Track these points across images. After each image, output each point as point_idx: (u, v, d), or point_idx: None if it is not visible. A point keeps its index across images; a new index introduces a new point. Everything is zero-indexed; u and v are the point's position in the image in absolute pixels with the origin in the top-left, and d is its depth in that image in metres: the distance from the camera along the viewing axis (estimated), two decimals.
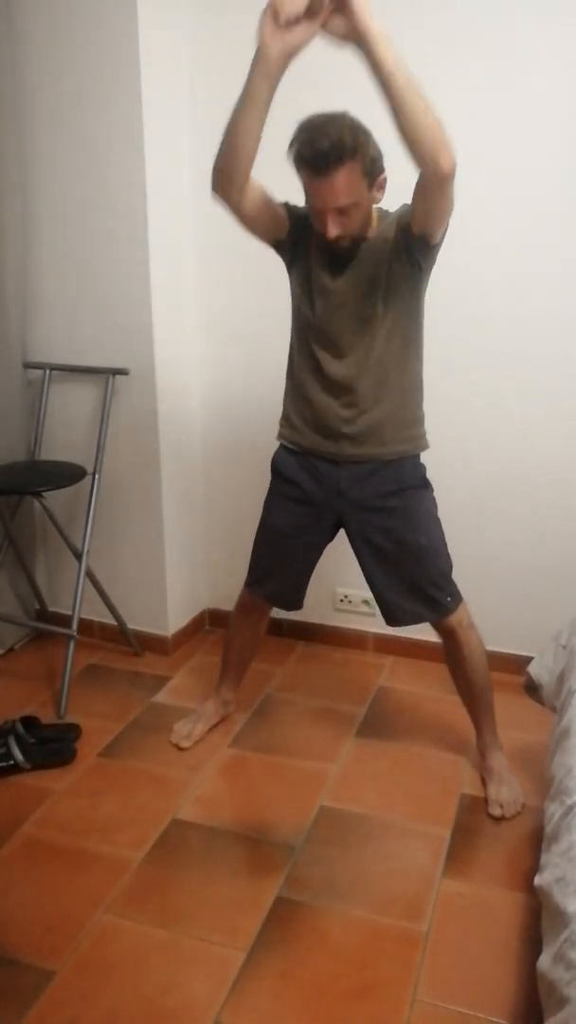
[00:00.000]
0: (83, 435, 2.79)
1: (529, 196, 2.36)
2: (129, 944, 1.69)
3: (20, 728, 2.27)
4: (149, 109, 2.43)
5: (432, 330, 2.52)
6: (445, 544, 2.07)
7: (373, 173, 1.75)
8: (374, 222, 1.85)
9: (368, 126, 1.74)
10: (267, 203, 1.92)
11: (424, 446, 2.04)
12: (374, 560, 2.06)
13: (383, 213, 1.88)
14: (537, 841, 1.64)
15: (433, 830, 2.03)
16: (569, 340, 2.42)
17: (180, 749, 2.35)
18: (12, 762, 2.21)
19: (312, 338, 1.97)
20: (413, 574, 2.04)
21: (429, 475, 2.08)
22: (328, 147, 1.67)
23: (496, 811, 2.08)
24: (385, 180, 1.79)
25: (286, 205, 1.95)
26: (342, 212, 1.75)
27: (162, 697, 2.63)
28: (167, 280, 2.63)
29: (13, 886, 1.85)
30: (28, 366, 2.77)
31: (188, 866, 1.92)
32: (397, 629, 2.81)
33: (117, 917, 1.76)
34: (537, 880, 1.35)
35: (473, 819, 2.08)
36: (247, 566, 2.27)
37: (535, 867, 1.43)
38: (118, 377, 2.68)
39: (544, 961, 1.22)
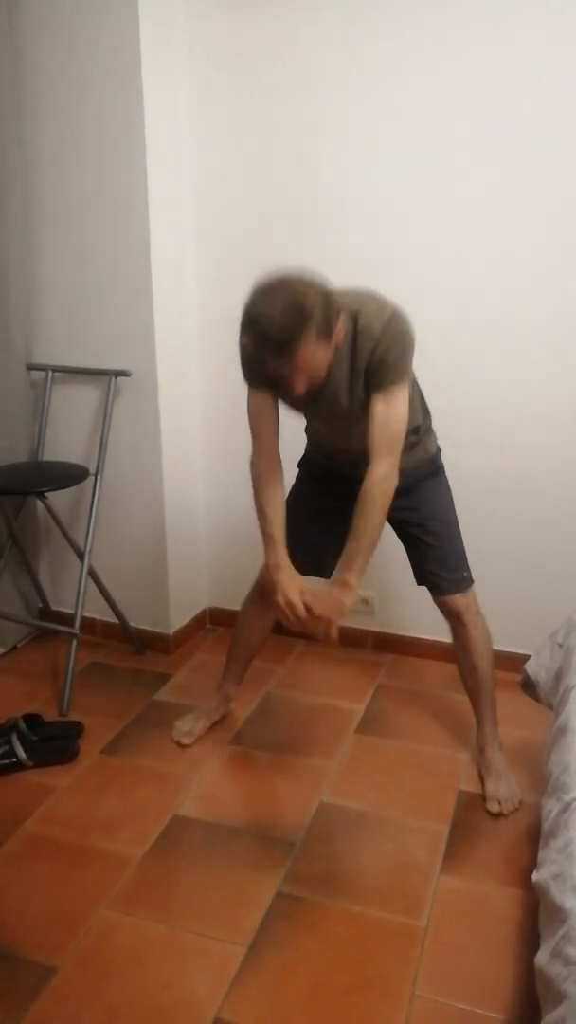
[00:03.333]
0: (85, 436, 2.81)
1: (530, 196, 2.36)
2: (130, 940, 1.70)
3: (23, 726, 2.29)
4: (151, 111, 2.44)
5: (433, 330, 2.54)
6: (459, 529, 2.15)
7: (329, 332, 1.69)
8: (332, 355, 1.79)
9: (315, 282, 1.70)
10: (275, 415, 1.98)
11: (435, 445, 2.12)
12: (404, 536, 2.15)
13: (348, 326, 1.79)
14: (535, 837, 1.65)
15: (431, 826, 2.05)
16: (569, 340, 2.43)
17: (181, 746, 2.36)
18: (15, 759, 2.23)
19: (312, 426, 2.10)
20: (435, 547, 2.11)
21: None
22: (279, 338, 1.64)
23: (494, 807, 2.09)
24: (340, 327, 1.74)
25: (261, 380, 1.93)
26: (307, 375, 1.74)
27: (163, 695, 2.65)
28: (169, 282, 2.64)
29: (15, 882, 1.86)
30: (31, 367, 2.78)
31: (189, 862, 1.93)
32: (396, 628, 2.85)
33: (118, 913, 1.77)
34: (535, 876, 1.36)
35: (471, 815, 2.09)
36: (249, 564, 2.28)
37: (533, 863, 1.44)
38: (120, 378, 2.69)
39: (542, 957, 1.23)
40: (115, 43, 2.40)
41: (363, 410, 1.84)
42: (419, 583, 2.19)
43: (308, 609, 1.89)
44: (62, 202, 2.62)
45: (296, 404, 1.96)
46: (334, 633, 1.90)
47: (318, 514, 2.12)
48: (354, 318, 1.78)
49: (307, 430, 2.17)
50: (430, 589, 2.16)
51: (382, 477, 1.81)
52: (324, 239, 2.58)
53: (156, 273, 2.56)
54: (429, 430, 2.10)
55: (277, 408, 1.96)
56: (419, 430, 2.04)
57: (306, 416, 2.07)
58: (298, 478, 2.19)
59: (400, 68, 2.38)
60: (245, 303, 1.69)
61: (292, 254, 2.63)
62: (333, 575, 1.91)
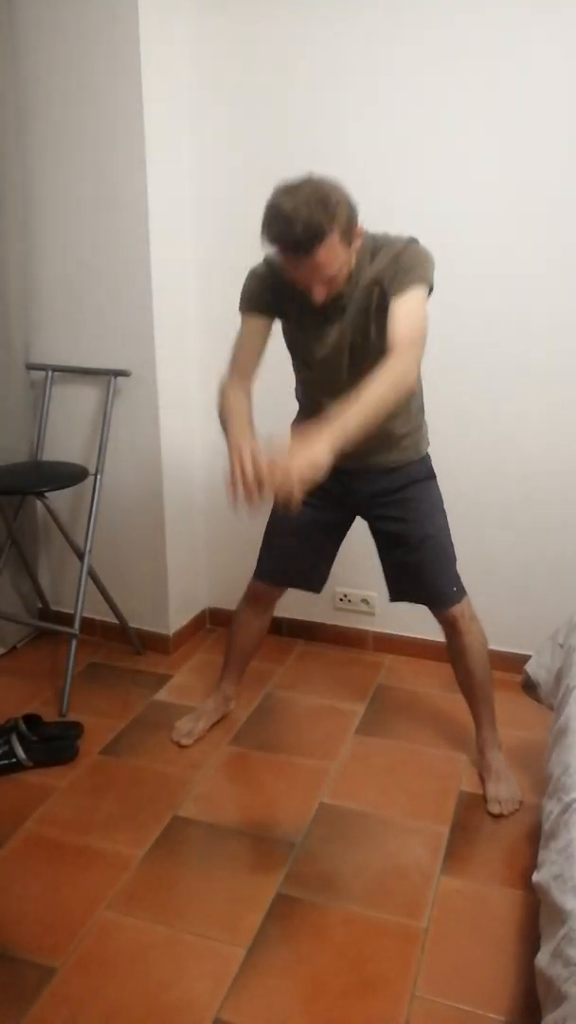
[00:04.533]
0: (85, 436, 2.81)
1: (532, 195, 2.36)
2: (130, 941, 1.70)
3: (22, 726, 2.28)
4: (151, 110, 2.44)
5: (434, 330, 2.54)
6: (450, 536, 2.11)
7: (350, 233, 1.69)
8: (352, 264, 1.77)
9: (338, 185, 1.69)
10: (262, 346, 1.95)
11: (426, 447, 2.08)
12: (386, 546, 2.12)
13: (368, 244, 1.80)
14: (535, 838, 1.65)
15: (432, 827, 2.04)
16: (571, 339, 2.43)
17: (181, 747, 2.36)
18: (14, 760, 2.23)
19: (311, 383, 2.02)
20: (421, 562, 2.08)
21: None
22: (303, 233, 1.60)
23: (494, 808, 2.09)
24: (362, 228, 1.73)
25: (259, 307, 1.94)
26: (328, 279, 1.72)
27: (163, 695, 2.65)
28: (168, 282, 2.64)
29: (15, 883, 1.86)
30: (31, 367, 2.78)
31: (189, 863, 1.93)
32: (396, 628, 2.84)
33: (118, 914, 1.77)
34: (535, 877, 1.36)
35: (471, 816, 2.09)
36: (249, 564, 2.28)
37: (533, 864, 1.44)
38: (120, 378, 2.69)
39: (542, 958, 1.23)
40: (115, 43, 2.40)
41: (377, 346, 1.75)
42: (394, 599, 2.16)
43: (269, 467, 1.55)
44: (62, 202, 2.62)
45: (308, 330, 1.89)
46: (297, 492, 1.51)
47: (307, 528, 2.11)
48: (373, 237, 1.80)
49: (299, 417, 2.11)
50: (424, 605, 2.14)
51: (397, 366, 1.64)
52: None
53: (156, 273, 2.56)
54: (422, 428, 2.05)
55: (265, 341, 1.94)
56: (420, 428, 2.03)
57: (309, 364, 1.96)
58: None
59: (401, 68, 2.38)
60: (268, 201, 1.65)
61: None
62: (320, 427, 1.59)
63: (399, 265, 1.76)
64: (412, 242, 1.81)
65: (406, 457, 2.02)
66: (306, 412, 2.06)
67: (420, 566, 2.08)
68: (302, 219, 1.60)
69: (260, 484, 1.55)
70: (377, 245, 1.81)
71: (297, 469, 1.50)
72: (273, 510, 2.15)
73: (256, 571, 2.26)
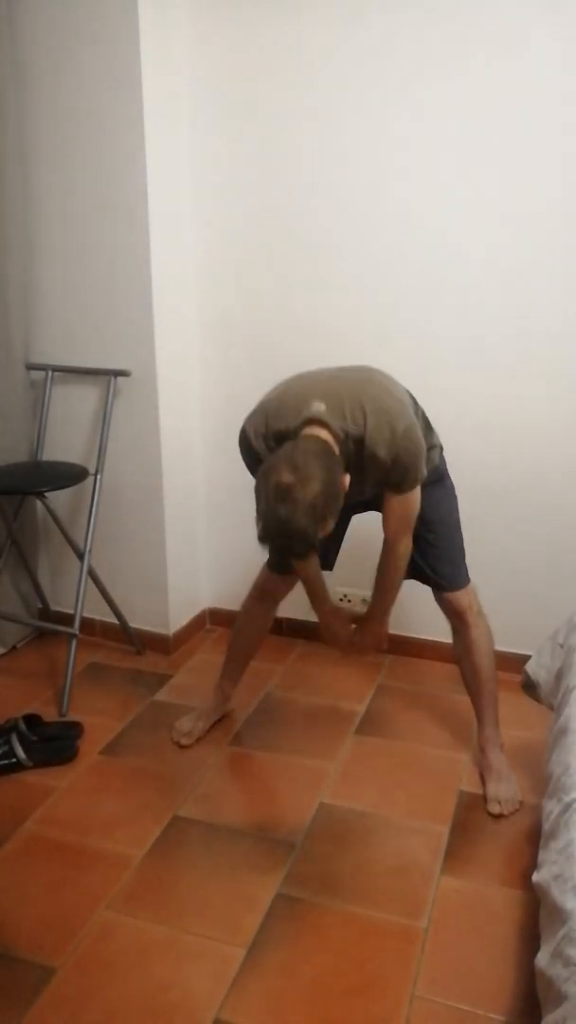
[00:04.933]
0: (85, 436, 2.80)
1: (532, 201, 2.36)
2: (130, 941, 1.70)
3: (22, 726, 2.28)
4: (150, 111, 2.44)
5: (436, 333, 2.54)
6: (461, 531, 2.16)
7: (336, 497, 1.65)
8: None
9: (322, 461, 1.63)
10: None
11: (438, 457, 2.09)
12: None
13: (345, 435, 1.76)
14: (535, 838, 1.65)
15: (432, 827, 2.04)
16: (571, 342, 2.43)
17: (181, 747, 2.36)
18: (14, 760, 2.23)
19: None
20: (434, 541, 2.12)
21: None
22: (300, 550, 1.66)
23: (494, 808, 2.09)
24: (345, 479, 1.70)
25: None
26: None
27: (163, 695, 2.64)
28: (168, 282, 2.64)
29: (15, 883, 1.86)
30: (30, 367, 2.78)
31: (189, 863, 1.93)
32: (397, 628, 2.83)
33: (118, 914, 1.77)
34: (535, 877, 1.36)
35: (471, 816, 2.09)
36: (249, 564, 2.28)
37: (533, 864, 1.44)
38: (120, 378, 2.69)
39: (542, 958, 1.23)
40: (115, 43, 2.40)
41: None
42: (409, 576, 2.18)
43: (354, 641, 2.19)
44: (62, 202, 2.62)
45: None
46: (372, 656, 2.29)
47: None
48: (358, 442, 1.76)
49: None
50: (432, 587, 2.18)
51: (404, 552, 1.99)
52: (324, 238, 2.58)
53: (156, 273, 2.56)
54: (434, 445, 2.07)
55: None
56: (430, 448, 2.03)
57: None
58: None
59: (404, 70, 2.38)
60: (260, 497, 1.62)
61: (292, 253, 2.65)
62: (368, 611, 2.16)
63: (392, 473, 1.82)
64: (400, 443, 1.77)
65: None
66: None
67: (433, 545, 2.12)
68: (295, 539, 1.61)
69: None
70: (364, 454, 1.77)
71: (376, 646, 2.21)
72: None
73: (268, 561, 2.25)
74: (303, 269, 2.63)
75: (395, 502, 1.89)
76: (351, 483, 1.74)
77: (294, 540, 1.62)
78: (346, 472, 1.71)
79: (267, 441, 1.82)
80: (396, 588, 2.08)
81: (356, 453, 1.78)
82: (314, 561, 2.09)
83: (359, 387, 1.81)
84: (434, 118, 2.38)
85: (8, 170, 2.55)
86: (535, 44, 2.25)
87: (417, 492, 1.89)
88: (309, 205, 2.57)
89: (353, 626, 2.20)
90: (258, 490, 1.64)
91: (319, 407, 1.74)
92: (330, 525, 1.65)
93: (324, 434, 1.71)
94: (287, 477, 1.58)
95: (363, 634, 2.17)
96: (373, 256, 2.54)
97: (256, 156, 2.59)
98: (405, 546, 1.99)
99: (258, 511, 1.63)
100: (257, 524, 1.64)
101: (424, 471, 1.87)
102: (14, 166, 2.57)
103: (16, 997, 1.57)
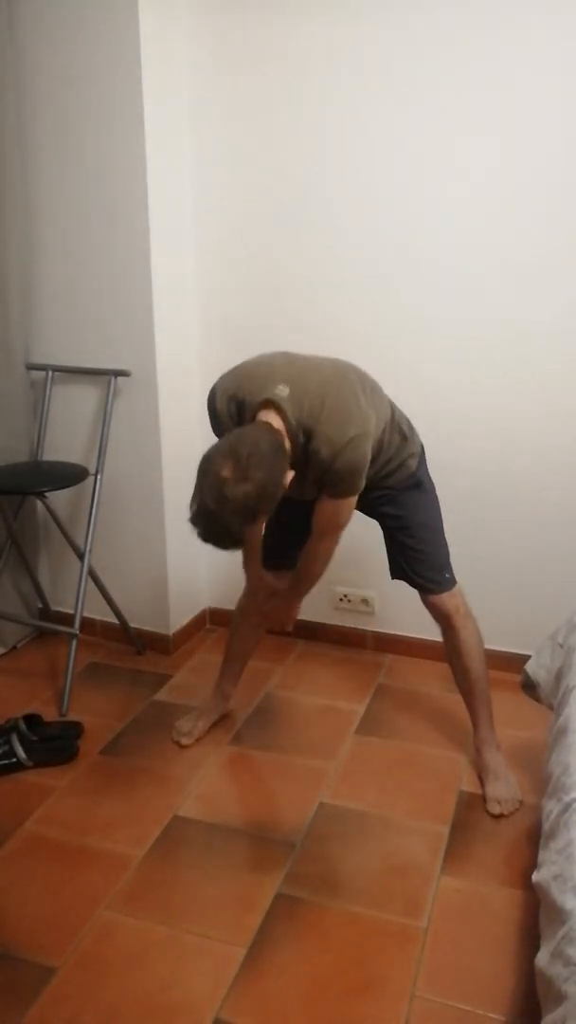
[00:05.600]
0: (85, 436, 2.81)
1: (532, 196, 2.36)
2: (130, 941, 1.70)
3: (23, 726, 2.29)
4: (151, 111, 2.44)
5: (435, 333, 2.54)
6: (443, 534, 2.15)
7: (274, 496, 1.66)
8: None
9: (264, 452, 1.63)
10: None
11: (415, 464, 2.09)
12: (388, 528, 2.16)
13: (298, 425, 1.78)
14: (535, 838, 1.65)
15: (432, 827, 2.04)
16: (568, 340, 2.43)
17: (181, 747, 2.36)
18: (15, 760, 2.23)
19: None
20: (417, 545, 2.13)
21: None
22: (223, 544, 1.69)
23: (494, 808, 2.09)
24: (290, 475, 1.72)
25: None
26: None
27: (163, 695, 2.65)
28: (168, 282, 2.64)
29: (15, 883, 1.86)
30: (31, 367, 2.78)
31: (189, 863, 1.93)
32: (396, 628, 2.85)
33: (118, 914, 1.77)
34: (535, 877, 1.36)
35: (471, 816, 2.09)
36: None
37: (533, 864, 1.44)
38: (120, 378, 2.69)
39: (542, 957, 1.23)
40: (115, 43, 2.40)
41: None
42: (395, 576, 2.21)
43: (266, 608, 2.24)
44: (62, 202, 2.62)
45: None
46: (288, 627, 2.25)
47: (284, 524, 2.11)
48: (307, 434, 1.78)
49: None
50: (417, 590, 2.18)
51: (324, 550, 2.02)
52: (324, 238, 2.58)
53: (156, 273, 2.56)
54: (412, 454, 2.07)
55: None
56: (394, 459, 2.03)
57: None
58: None
59: (403, 70, 2.38)
60: (197, 481, 1.66)
61: (292, 253, 2.65)
62: (284, 589, 2.18)
63: (328, 478, 1.83)
64: (342, 455, 1.78)
65: (396, 478, 2.07)
66: None
67: (416, 549, 2.13)
68: (224, 537, 1.66)
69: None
70: (309, 447, 1.79)
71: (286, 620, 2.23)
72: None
73: (262, 559, 2.25)
74: (303, 269, 2.63)
75: (327, 503, 1.90)
76: (294, 477, 1.75)
77: (217, 534, 1.65)
78: (292, 467, 1.73)
79: (229, 405, 1.86)
80: (311, 580, 2.10)
81: (304, 446, 1.79)
82: (256, 533, 2.09)
83: (329, 382, 1.81)
84: (434, 118, 2.38)
85: (8, 170, 2.55)
86: (536, 39, 2.25)
87: (351, 502, 1.91)
88: (309, 205, 2.57)
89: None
90: (200, 471, 1.65)
91: (282, 391, 1.76)
92: (261, 521, 1.70)
93: (277, 422, 1.74)
94: (226, 472, 1.59)
95: (273, 605, 2.22)
96: (373, 256, 2.54)
97: (256, 156, 2.59)
98: (327, 546, 2.01)
99: (193, 493, 1.65)
100: (190, 506, 1.66)
101: (360, 485, 1.87)
102: (14, 166, 2.57)
103: (16, 997, 1.57)
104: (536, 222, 2.37)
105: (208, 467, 1.63)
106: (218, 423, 1.91)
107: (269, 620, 2.29)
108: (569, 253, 2.37)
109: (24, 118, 2.58)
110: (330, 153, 2.52)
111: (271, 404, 1.76)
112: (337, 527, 1.97)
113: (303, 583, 2.12)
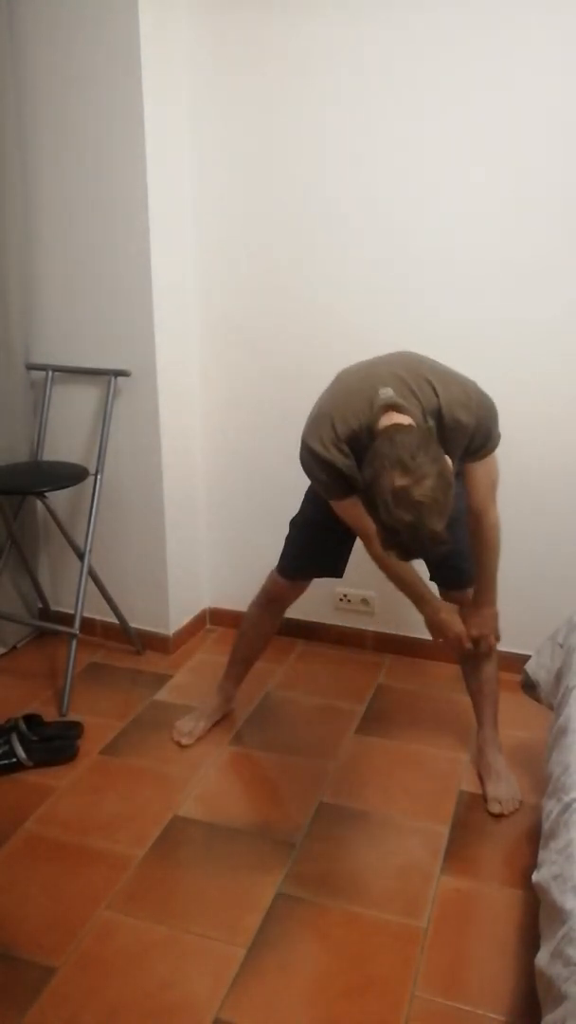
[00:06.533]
0: (85, 436, 2.81)
1: (534, 197, 2.36)
2: (130, 941, 1.70)
3: (23, 726, 2.29)
4: (151, 111, 2.44)
5: (436, 332, 2.54)
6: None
7: (453, 492, 1.58)
8: None
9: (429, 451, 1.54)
10: None
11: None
12: None
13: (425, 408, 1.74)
14: (535, 838, 1.65)
15: (432, 827, 2.04)
16: (568, 340, 2.43)
17: (181, 747, 2.36)
18: (15, 759, 2.23)
19: None
20: (458, 544, 2.01)
21: None
22: (433, 549, 1.57)
23: (495, 808, 2.09)
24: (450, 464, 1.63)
25: (349, 488, 1.84)
26: None
27: (163, 695, 2.65)
28: (168, 282, 2.64)
29: (15, 883, 1.86)
30: (31, 367, 2.78)
31: (189, 863, 1.93)
32: (397, 628, 2.85)
33: (118, 914, 1.77)
34: (535, 877, 1.36)
35: (471, 816, 2.09)
36: (249, 564, 2.28)
37: (533, 864, 1.44)
38: (120, 378, 2.69)
39: (542, 957, 1.23)
40: (115, 43, 2.40)
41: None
42: (434, 577, 2.17)
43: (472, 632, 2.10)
44: (62, 202, 2.62)
45: None
46: (494, 643, 2.16)
47: (332, 526, 2.07)
48: (435, 414, 1.74)
49: None
50: (448, 586, 2.16)
51: (495, 522, 1.99)
52: (324, 238, 2.58)
53: (156, 273, 2.56)
54: None
55: None
56: None
57: None
58: (306, 499, 2.16)
59: (403, 70, 2.38)
60: (379, 511, 1.52)
61: (292, 253, 2.65)
62: (474, 598, 2.11)
63: (479, 444, 1.84)
64: (479, 406, 1.79)
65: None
66: None
67: (458, 543, 2.03)
68: (429, 537, 1.52)
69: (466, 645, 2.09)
70: (445, 422, 1.75)
71: (491, 630, 2.14)
72: (303, 511, 2.19)
73: (280, 568, 2.24)
74: (303, 269, 2.63)
75: (479, 470, 1.86)
76: None
77: (426, 543, 1.53)
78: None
79: (340, 446, 1.74)
80: (497, 564, 2.05)
81: (437, 428, 1.74)
82: (409, 565, 1.98)
83: (412, 365, 1.79)
84: (434, 118, 2.38)
85: (8, 170, 2.55)
86: (536, 38, 2.25)
87: (496, 456, 1.87)
88: (310, 205, 2.57)
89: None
90: (372, 500, 1.53)
91: (387, 392, 1.68)
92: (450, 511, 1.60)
93: (405, 419, 1.65)
94: (400, 480, 1.48)
95: (479, 620, 2.09)
96: (373, 256, 2.54)
97: (256, 156, 2.59)
98: (495, 517, 1.96)
99: (379, 520, 1.52)
100: (380, 534, 1.55)
101: (499, 431, 1.84)
102: (14, 166, 2.57)
103: (16, 997, 1.57)
104: (537, 222, 2.37)
105: (380, 485, 1.50)
106: (339, 475, 1.78)
107: (482, 636, 2.10)
108: (570, 253, 2.37)
109: (24, 118, 2.58)
110: (330, 153, 2.51)
111: (389, 408, 1.66)
112: (495, 488, 1.92)
113: (493, 573, 2.04)
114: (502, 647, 2.51)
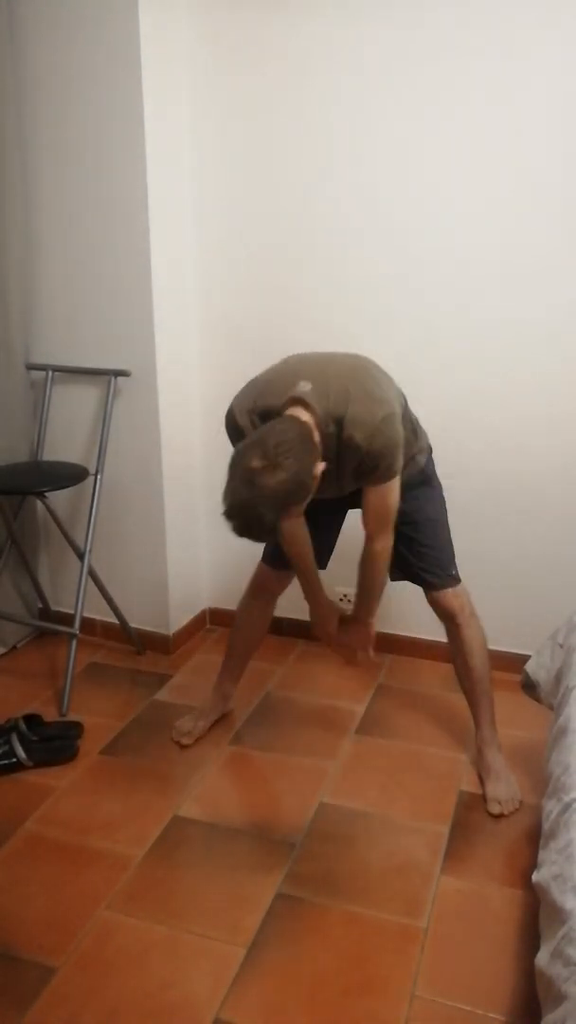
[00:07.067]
0: (85, 436, 2.81)
1: (532, 199, 2.36)
2: (130, 941, 1.70)
3: (23, 726, 2.29)
4: (151, 111, 2.44)
5: (433, 332, 2.54)
6: (449, 531, 2.17)
7: (307, 486, 1.66)
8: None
9: (293, 443, 1.62)
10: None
11: (424, 459, 2.11)
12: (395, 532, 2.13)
13: (327, 416, 1.77)
14: (535, 838, 1.65)
15: (432, 827, 2.04)
16: (569, 342, 2.43)
17: (181, 747, 2.36)
18: (15, 759, 2.23)
19: None
20: (424, 539, 2.12)
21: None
22: (264, 534, 1.70)
23: (495, 808, 2.09)
24: (319, 467, 1.70)
25: None
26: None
27: (163, 695, 2.65)
28: (168, 282, 2.64)
29: (15, 883, 1.86)
30: (31, 367, 2.78)
31: (189, 863, 1.93)
32: (397, 628, 2.84)
33: (118, 914, 1.77)
34: (535, 877, 1.36)
35: (471, 816, 2.09)
36: (249, 564, 2.28)
37: (533, 864, 1.44)
38: (120, 378, 2.69)
39: (542, 957, 1.23)
40: (115, 43, 2.40)
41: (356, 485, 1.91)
42: (396, 577, 2.18)
43: (341, 639, 2.18)
44: (62, 202, 2.62)
45: None
46: (364, 657, 2.20)
47: (313, 517, 2.09)
48: (338, 423, 1.76)
49: None
50: (423, 587, 2.18)
51: (382, 549, 1.98)
52: (324, 238, 2.58)
53: (156, 273, 2.56)
54: (421, 450, 2.09)
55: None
56: (404, 454, 2.00)
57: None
58: None
59: (403, 70, 2.38)
60: (229, 472, 1.64)
61: (292, 253, 2.65)
62: (353, 612, 2.14)
63: (366, 466, 1.82)
64: (374, 438, 1.76)
65: (408, 475, 2.04)
66: None
67: (424, 544, 2.13)
68: (256, 527, 1.65)
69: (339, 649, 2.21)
70: (341, 436, 1.77)
71: (364, 644, 2.17)
72: None
73: (264, 555, 2.27)
74: (303, 269, 2.63)
75: (372, 495, 1.89)
76: (328, 473, 1.75)
77: (252, 525, 1.64)
78: (323, 460, 1.72)
79: (252, 417, 1.85)
80: (379, 588, 2.07)
81: (336, 436, 1.78)
82: (309, 553, 2.09)
83: (348, 372, 1.82)
84: (434, 117, 2.38)
85: (8, 170, 2.55)
86: (537, 38, 2.25)
87: (395, 486, 1.88)
88: (309, 205, 2.57)
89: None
90: (230, 467, 1.64)
91: (305, 387, 1.75)
92: (294, 513, 1.70)
93: (306, 416, 1.73)
94: (256, 462, 1.59)
95: (349, 634, 2.17)
96: (373, 256, 2.54)
97: (257, 156, 2.59)
98: (383, 544, 1.97)
99: (224, 489, 1.64)
100: (223, 501, 1.65)
101: (400, 464, 1.85)
102: (14, 166, 2.57)
103: (16, 997, 1.57)
104: (537, 222, 2.37)
105: (238, 460, 1.63)
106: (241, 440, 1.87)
107: (346, 650, 2.22)
108: (570, 253, 2.37)
109: (24, 118, 2.58)
110: (330, 153, 2.51)
111: (296, 401, 1.75)
112: (388, 517, 1.93)
113: (371, 593, 2.07)
114: (502, 647, 2.53)
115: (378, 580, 2.05)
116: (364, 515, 1.94)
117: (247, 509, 1.61)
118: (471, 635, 2.17)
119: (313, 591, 2.14)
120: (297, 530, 2.04)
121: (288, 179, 2.58)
